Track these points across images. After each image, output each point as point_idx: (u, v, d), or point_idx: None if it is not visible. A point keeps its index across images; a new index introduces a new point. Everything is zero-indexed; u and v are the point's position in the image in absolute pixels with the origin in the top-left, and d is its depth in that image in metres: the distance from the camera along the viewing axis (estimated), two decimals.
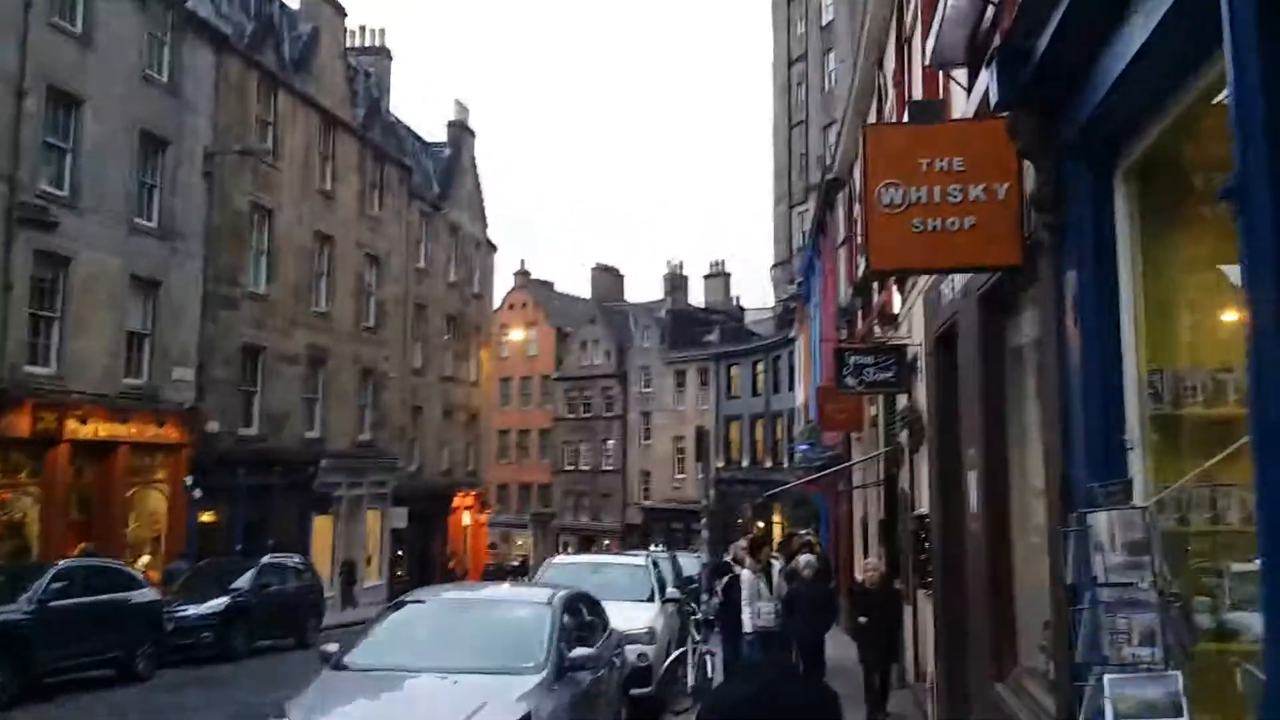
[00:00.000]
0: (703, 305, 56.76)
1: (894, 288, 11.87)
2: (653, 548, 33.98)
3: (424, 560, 37.31)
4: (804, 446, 28.17)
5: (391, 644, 7.31)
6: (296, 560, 21.08)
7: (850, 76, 16.69)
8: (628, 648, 10.35)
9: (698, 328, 53.30)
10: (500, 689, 6.38)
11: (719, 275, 57.71)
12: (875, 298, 13.54)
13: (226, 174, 24.98)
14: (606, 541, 52.73)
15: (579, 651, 7.09)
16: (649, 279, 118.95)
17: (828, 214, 21.01)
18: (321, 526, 29.89)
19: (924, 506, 9.61)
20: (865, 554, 15.20)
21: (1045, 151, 4.36)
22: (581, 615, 8.29)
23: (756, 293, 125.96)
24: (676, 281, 56.11)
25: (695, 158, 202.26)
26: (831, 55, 44.86)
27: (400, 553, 35.66)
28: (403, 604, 8.05)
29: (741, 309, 56.68)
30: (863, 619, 10.06)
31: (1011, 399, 6.44)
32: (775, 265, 51.48)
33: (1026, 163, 4.78)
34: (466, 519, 41.33)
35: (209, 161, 24.26)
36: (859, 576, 10.50)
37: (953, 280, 7.60)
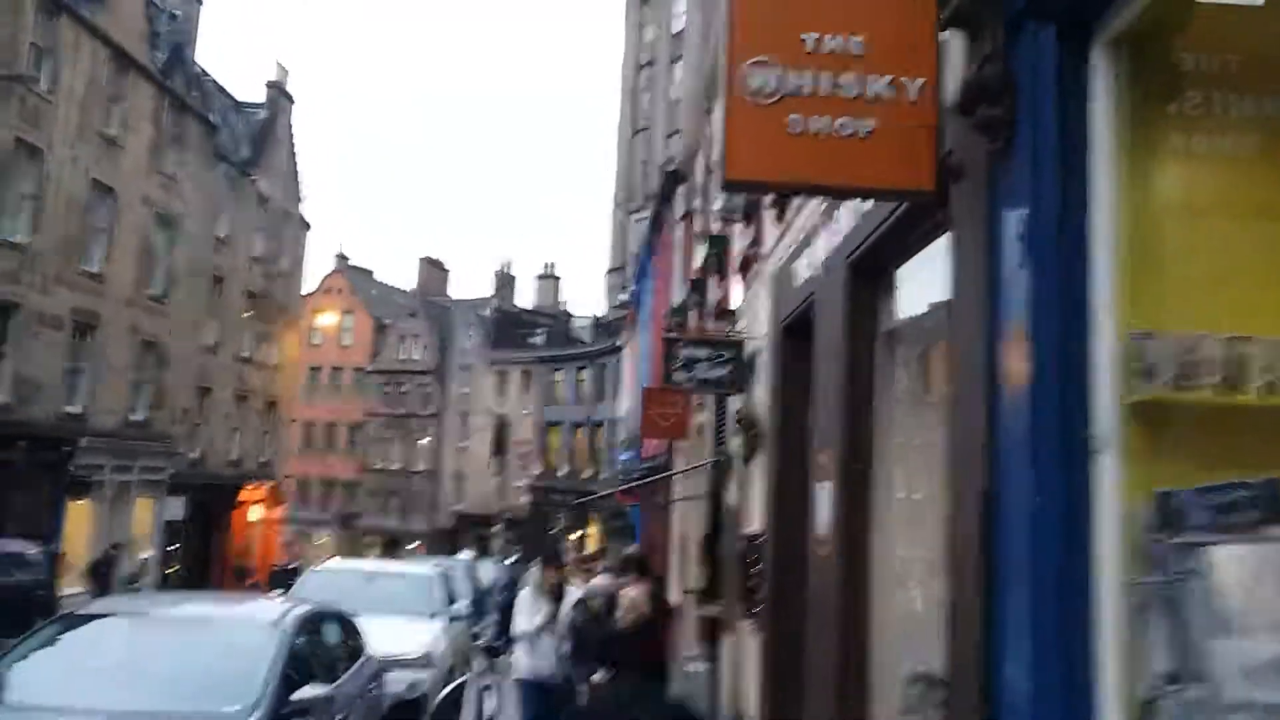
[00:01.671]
0: (531, 307, 55.01)
1: (734, 278, 10.63)
2: (462, 553, 31.97)
3: (204, 556, 33.94)
4: (625, 455, 26.97)
5: (49, 671, 5.33)
6: (21, 549, 17.95)
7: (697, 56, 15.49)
8: (396, 675, 8.60)
9: (523, 329, 51.52)
10: None
11: (550, 278, 56.14)
12: (710, 293, 12.31)
13: None
14: (414, 544, 50.04)
15: (307, 692, 5.31)
16: (478, 278, 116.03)
17: (665, 210, 19.83)
18: (78, 513, 26.27)
19: (755, 524, 8.31)
20: (681, 577, 13.91)
21: (989, 11, 3.03)
22: (323, 640, 6.50)
23: (589, 302, 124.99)
24: (505, 280, 54.16)
25: (536, 158, 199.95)
26: (680, 65, 44.29)
27: (175, 547, 32.15)
28: (81, 618, 6.00)
29: (569, 314, 55.29)
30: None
31: (882, 393, 5.16)
32: (610, 271, 50.43)
33: (952, 45, 3.45)
34: (256, 514, 37.95)
35: None
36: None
37: (812, 250, 6.31)
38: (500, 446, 14.62)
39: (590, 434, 45.18)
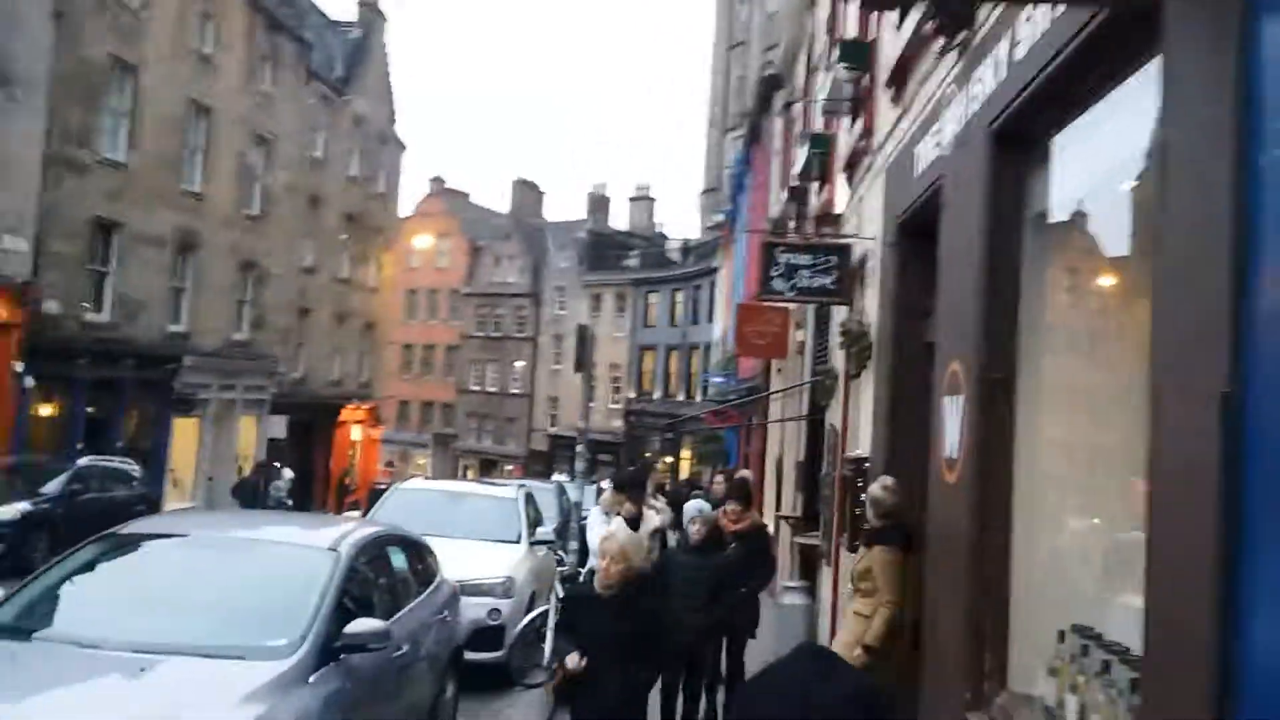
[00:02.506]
0: (625, 229, 54.11)
1: (839, 180, 9.64)
2: (557, 476, 31.89)
3: (307, 474, 34.69)
4: (719, 379, 26.22)
5: (79, 598, 4.92)
6: (124, 464, 18.27)
7: None
8: (474, 600, 8.14)
9: (617, 251, 50.74)
10: (216, 683, 4.07)
11: (644, 199, 55.00)
12: (812, 201, 11.31)
13: (82, 18, 21.43)
14: (510, 467, 50.53)
15: (363, 625, 4.77)
16: (572, 200, 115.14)
17: (763, 121, 18.65)
18: (184, 430, 26.95)
19: (862, 447, 7.50)
20: (778, 504, 13.17)
21: None
22: (389, 566, 5.99)
23: (684, 224, 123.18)
24: (599, 203, 53.26)
25: (631, 76, 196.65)
26: None
27: (278, 464, 32.90)
28: (123, 539, 5.56)
29: (665, 236, 54.21)
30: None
31: (1031, 287, 4.26)
32: (704, 192, 49.14)
33: None
34: (357, 434, 38.63)
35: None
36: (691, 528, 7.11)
37: (939, 127, 5.35)
38: (583, 361, 13.74)
39: (685, 357, 44.49)
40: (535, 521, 11.23)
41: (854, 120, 8.68)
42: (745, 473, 10.58)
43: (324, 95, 33.42)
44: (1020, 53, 3.93)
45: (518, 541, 9.72)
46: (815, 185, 11.49)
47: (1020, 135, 4.24)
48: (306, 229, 32.91)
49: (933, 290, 5.88)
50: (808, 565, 9.82)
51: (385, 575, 5.88)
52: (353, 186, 35.95)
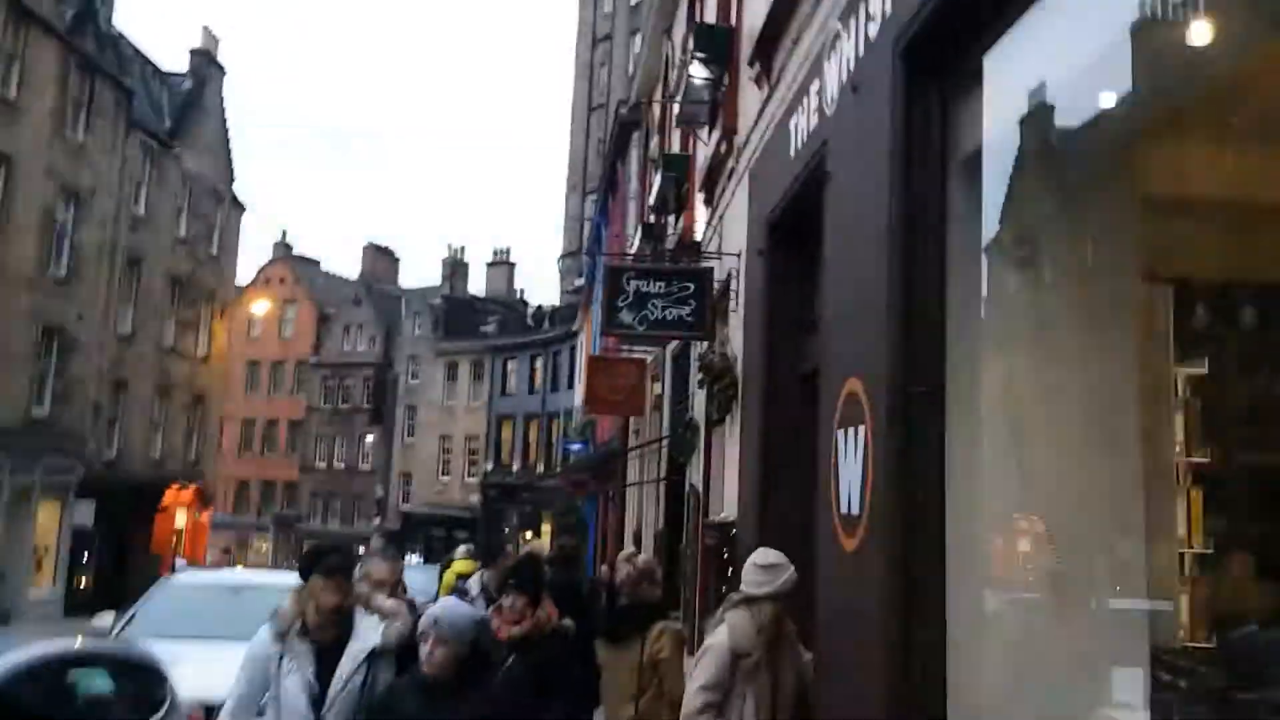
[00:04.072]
0: (484, 295, 52.37)
1: (698, 204, 8.46)
2: (412, 558, 29.47)
3: (122, 566, 31.06)
4: (576, 445, 24.74)
5: None
6: None
7: None
8: None
9: (475, 317, 48.89)
10: None
11: (503, 264, 53.50)
12: (669, 233, 10.12)
13: None
14: (361, 549, 47.30)
15: None
16: (426, 266, 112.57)
17: (619, 165, 17.61)
18: None
19: (727, 509, 6.14)
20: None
21: None
22: (71, 700, 4.21)
23: (544, 290, 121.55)
24: (456, 267, 51.43)
25: (488, 141, 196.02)
26: (638, 37, 42.10)
27: (86, 557, 29.35)
28: None
29: (525, 302, 52.75)
30: None
31: (961, 259, 3.00)
32: (564, 256, 48.20)
33: None
34: (182, 519, 35.12)
35: None
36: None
37: (821, 85, 4.14)
38: (381, 411, 11.64)
39: (545, 426, 42.78)
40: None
41: (712, 128, 7.53)
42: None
43: (148, 148, 30.82)
44: None
45: None
46: (671, 219, 10.32)
47: (939, 55, 3.02)
48: (124, 293, 29.98)
49: (812, 303, 4.64)
50: None
51: (63, 710, 4.10)
52: (181, 247, 33.18)
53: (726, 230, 6.95)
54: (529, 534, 39.50)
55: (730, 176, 6.81)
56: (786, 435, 4.94)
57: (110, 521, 29.53)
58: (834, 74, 3.90)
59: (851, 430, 3.42)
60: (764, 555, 4.01)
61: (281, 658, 3.81)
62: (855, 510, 3.32)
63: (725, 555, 5.80)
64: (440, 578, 13.11)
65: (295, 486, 51.85)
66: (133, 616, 8.08)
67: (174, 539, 34.48)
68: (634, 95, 15.37)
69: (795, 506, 4.65)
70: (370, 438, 50.71)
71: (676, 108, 8.46)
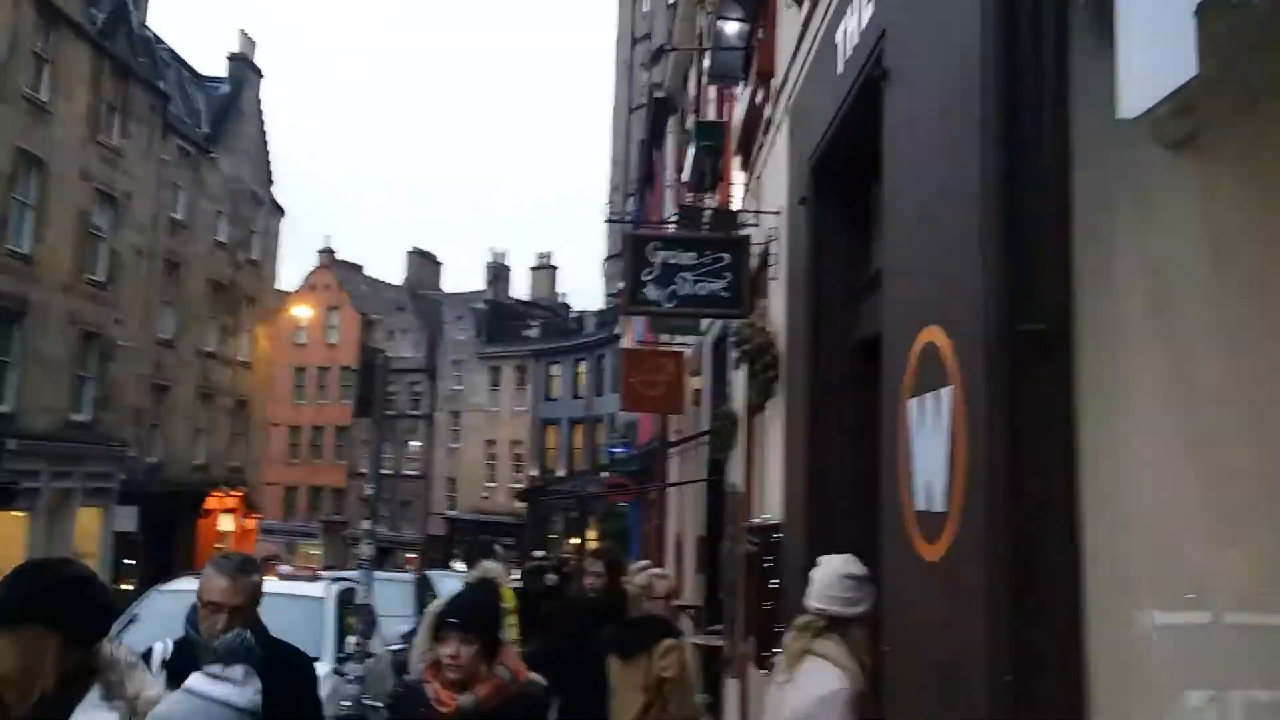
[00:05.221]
0: (527, 299, 51.86)
1: (734, 173, 7.58)
2: (455, 565, 28.83)
3: (166, 572, 30.85)
4: (618, 449, 23.93)
5: None
6: None
7: None
8: None
9: (517, 322, 48.35)
10: None
11: (545, 268, 52.99)
12: (705, 210, 9.24)
13: None
14: (408, 554, 46.98)
15: None
16: (470, 272, 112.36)
17: (655, 153, 16.76)
18: (9, 525, 23.32)
19: (772, 511, 5.25)
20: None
21: None
22: None
23: (588, 294, 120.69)
24: (499, 271, 50.99)
25: (532, 142, 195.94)
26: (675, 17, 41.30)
27: (130, 561, 29.16)
28: None
29: (568, 306, 52.13)
30: None
31: (1096, 167, 2.08)
32: (608, 258, 47.43)
33: None
34: (226, 523, 34.92)
35: None
36: None
37: None
38: (369, 399, 10.41)
39: (590, 431, 42.05)
40: (369, 630, 8.73)
41: (746, 80, 6.65)
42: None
43: (185, 152, 30.65)
44: None
45: (317, 660, 7.12)
46: (706, 195, 9.44)
47: None
48: (164, 297, 29.81)
49: (865, 259, 3.74)
50: (711, 674, 7.44)
51: None
52: (221, 251, 33.01)
53: (765, 192, 6.06)
54: (574, 539, 38.80)
55: (768, 130, 5.92)
56: (839, 417, 4.04)
57: (154, 527, 29.34)
58: None
59: (930, 398, 2.52)
60: (851, 563, 3.15)
61: None
62: (938, 504, 2.42)
63: (768, 564, 4.91)
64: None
65: (343, 492, 51.71)
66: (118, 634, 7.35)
67: (219, 545, 34.29)
68: (667, 82, 14.51)
69: (851, 504, 3.76)
70: (415, 443, 50.39)
71: (708, 60, 7.60)
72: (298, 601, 7.98)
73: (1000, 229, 2.15)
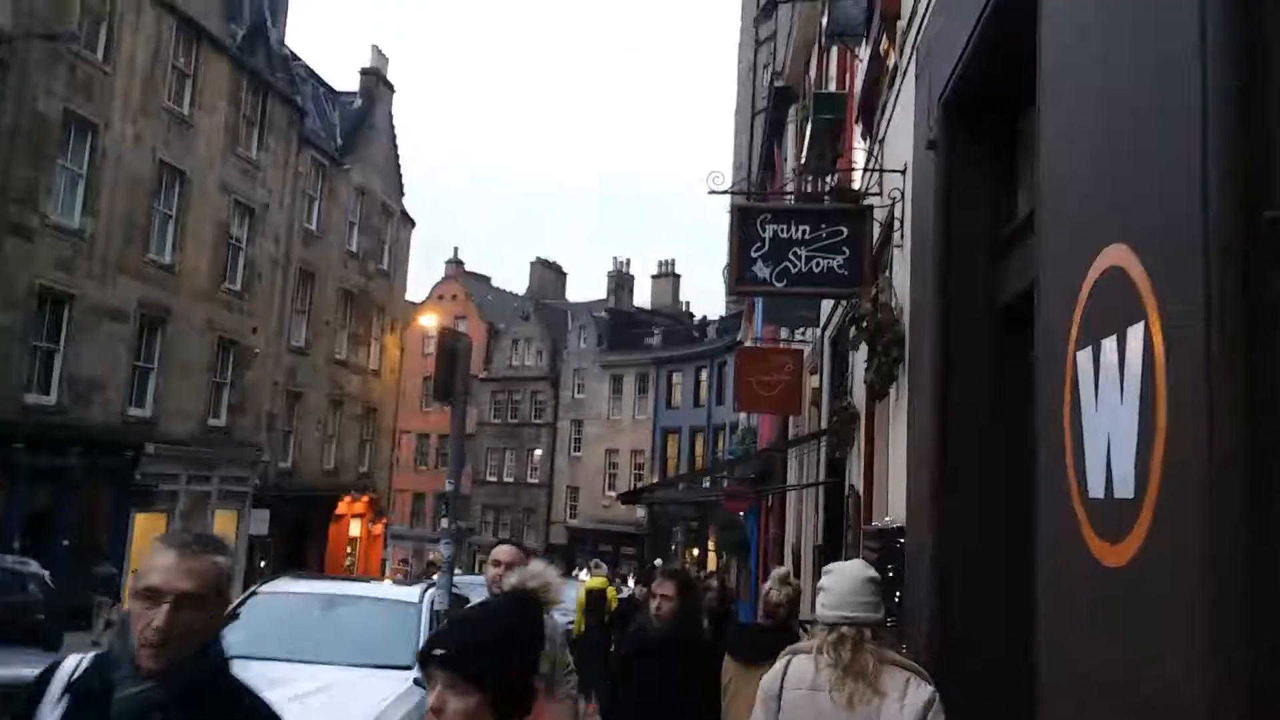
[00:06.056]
0: (649, 308, 51.64)
1: (855, 142, 6.89)
2: (580, 573, 28.48)
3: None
4: (735, 456, 23.23)
5: None
6: (19, 564, 15.46)
7: None
8: None
9: (639, 330, 48.14)
10: None
11: (667, 276, 52.65)
12: (827, 187, 8.55)
13: (31, 67, 19.60)
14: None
15: None
16: (594, 281, 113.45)
17: (775, 146, 16.08)
18: (147, 527, 24.24)
19: (894, 513, 4.55)
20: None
21: None
22: None
23: (712, 303, 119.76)
24: (621, 280, 50.96)
25: (660, 146, 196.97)
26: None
27: (263, 563, 30.05)
28: None
29: (690, 314, 51.63)
30: None
31: None
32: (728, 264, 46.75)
33: None
34: (355, 528, 35.73)
35: (6, 46, 18.90)
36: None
37: None
38: (450, 386, 9.60)
39: (711, 440, 41.40)
40: None
41: (868, 32, 5.97)
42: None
43: (319, 165, 31.55)
44: None
45: (409, 667, 6.73)
46: (827, 179, 8.74)
47: None
48: (298, 305, 30.70)
49: (1009, 206, 3.05)
50: None
51: None
52: (352, 262, 33.85)
53: (889, 153, 5.37)
54: (694, 551, 38.17)
55: (892, 83, 5.23)
56: (976, 399, 3.34)
57: (285, 531, 30.19)
58: None
59: (1109, 345, 1.84)
60: (868, 567, 3.14)
61: None
62: (1125, 490, 1.74)
63: (890, 572, 4.22)
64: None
65: (467, 499, 52.52)
66: None
67: (348, 549, 35.11)
68: (787, 70, 13.83)
69: (990, 502, 3.06)
70: (538, 452, 50.75)
71: (826, 19, 6.93)
72: (391, 606, 7.64)
73: (1233, 94, 1.47)
